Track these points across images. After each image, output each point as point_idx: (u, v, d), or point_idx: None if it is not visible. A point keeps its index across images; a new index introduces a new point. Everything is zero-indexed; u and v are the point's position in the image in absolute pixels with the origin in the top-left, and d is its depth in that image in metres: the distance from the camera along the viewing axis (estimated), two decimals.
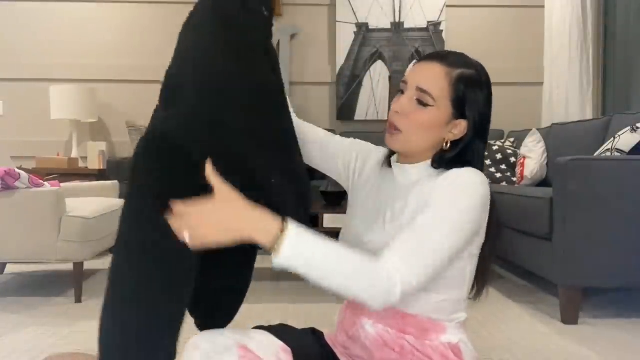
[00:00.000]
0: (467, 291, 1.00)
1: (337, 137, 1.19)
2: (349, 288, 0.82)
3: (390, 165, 1.06)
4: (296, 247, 0.79)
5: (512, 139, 3.70)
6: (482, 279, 1.03)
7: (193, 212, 0.80)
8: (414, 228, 0.88)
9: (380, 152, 1.13)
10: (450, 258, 0.89)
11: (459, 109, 0.97)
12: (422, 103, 0.95)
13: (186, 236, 0.80)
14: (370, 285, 0.81)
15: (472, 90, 0.97)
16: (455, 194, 0.90)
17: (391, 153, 1.07)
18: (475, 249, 0.99)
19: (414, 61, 1.00)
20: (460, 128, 0.98)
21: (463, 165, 0.96)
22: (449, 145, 0.98)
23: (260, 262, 1.22)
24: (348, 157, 1.15)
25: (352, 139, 1.19)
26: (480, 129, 1.00)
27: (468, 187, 0.91)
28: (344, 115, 4.37)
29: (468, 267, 0.98)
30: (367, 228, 1.01)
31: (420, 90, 0.95)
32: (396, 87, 4.32)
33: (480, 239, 0.99)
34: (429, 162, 1.00)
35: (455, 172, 0.93)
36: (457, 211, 0.89)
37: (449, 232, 0.88)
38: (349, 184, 1.15)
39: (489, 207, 0.97)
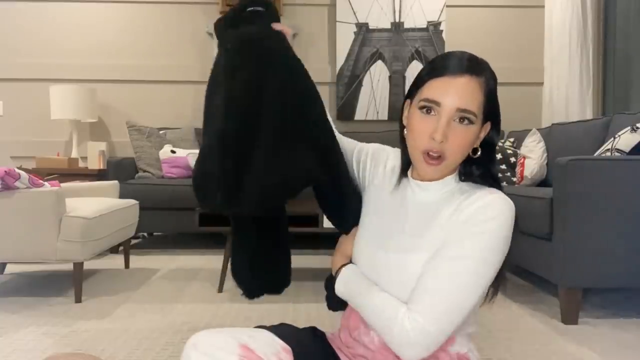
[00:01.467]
0: (479, 304, 0.96)
1: (348, 141, 1.17)
2: (377, 330, 0.93)
3: (405, 175, 1.02)
4: (343, 285, 1.03)
5: (512, 139, 3.70)
6: (495, 285, 0.97)
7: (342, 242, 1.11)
8: (443, 278, 0.86)
9: (397, 157, 1.07)
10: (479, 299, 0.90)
11: (488, 113, 0.94)
12: (463, 121, 0.89)
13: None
14: (398, 344, 0.88)
15: (494, 90, 0.94)
16: (490, 236, 0.87)
17: (408, 164, 1.01)
18: None
19: (426, 73, 0.94)
20: (485, 131, 0.95)
21: (486, 176, 0.95)
22: (478, 152, 0.95)
23: None
24: (362, 164, 1.12)
25: (363, 143, 1.16)
26: (498, 127, 0.97)
27: (502, 222, 0.88)
28: (344, 115, 4.38)
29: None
30: (382, 247, 0.98)
31: (462, 110, 0.88)
32: (396, 86, 4.32)
33: None
34: (451, 176, 0.97)
35: (483, 202, 0.89)
36: (489, 259, 0.87)
37: (478, 280, 0.87)
38: (363, 189, 1.12)
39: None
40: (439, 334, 0.86)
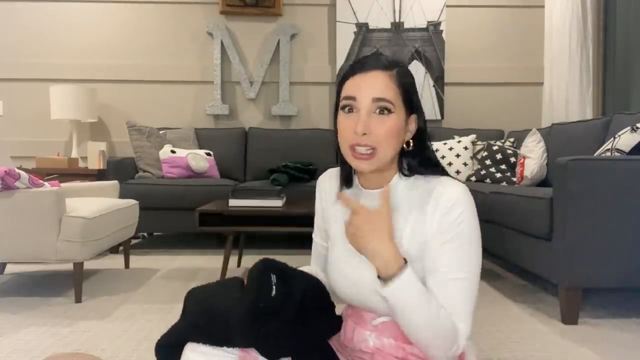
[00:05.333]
0: None
1: (314, 244, 1.20)
2: (427, 346, 0.90)
3: (348, 186, 1.06)
4: (397, 292, 0.87)
5: (512, 139, 3.70)
6: None
7: (362, 218, 0.90)
8: (454, 283, 0.92)
9: (325, 180, 1.13)
10: None
11: (409, 105, 0.97)
12: (383, 111, 0.93)
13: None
14: (446, 349, 0.90)
15: (411, 83, 0.98)
16: (467, 226, 0.93)
17: (347, 176, 1.06)
18: None
19: (342, 78, 1.00)
20: (413, 123, 0.99)
21: (425, 161, 0.99)
22: (411, 145, 0.99)
23: None
24: (322, 227, 1.16)
25: (316, 254, 1.20)
26: (424, 117, 1.02)
27: (468, 209, 0.94)
28: None
29: None
30: (355, 265, 0.99)
31: (378, 99, 0.93)
32: None
33: None
34: (395, 179, 1.00)
35: (445, 196, 0.94)
36: (476, 242, 0.94)
37: (478, 265, 0.95)
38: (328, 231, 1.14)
39: None
40: (469, 328, 0.93)
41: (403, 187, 1.00)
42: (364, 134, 0.92)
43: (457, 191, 0.94)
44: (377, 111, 0.93)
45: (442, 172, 1.00)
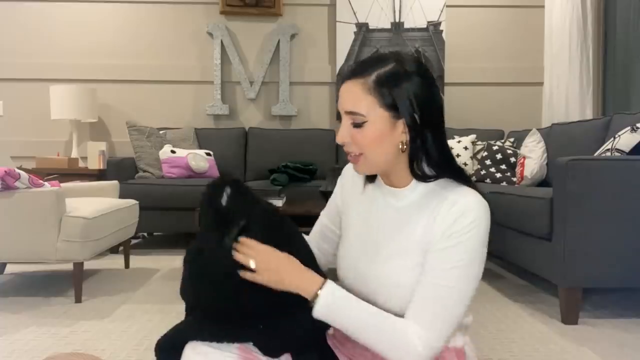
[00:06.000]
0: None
1: (319, 223, 1.21)
2: (377, 350, 0.90)
3: (371, 182, 1.05)
4: (329, 307, 0.91)
5: (512, 139, 3.70)
6: None
7: (261, 251, 0.93)
8: (434, 289, 0.89)
9: (350, 170, 1.13)
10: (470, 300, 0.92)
11: (394, 109, 0.91)
12: (357, 125, 0.93)
13: (252, 264, 0.92)
14: (396, 354, 0.88)
15: (395, 85, 0.91)
16: (472, 240, 0.90)
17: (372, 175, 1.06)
18: None
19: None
20: (401, 127, 0.93)
21: (440, 167, 0.94)
22: (405, 147, 0.93)
23: None
24: (335, 210, 1.16)
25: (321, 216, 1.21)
26: (427, 118, 0.92)
27: (480, 223, 0.90)
28: None
29: None
30: (367, 258, 1.00)
31: (349, 113, 0.93)
32: None
33: None
34: (415, 181, 0.98)
35: (460, 204, 0.91)
36: (476, 260, 0.90)
37: (470, 283, 0.90)
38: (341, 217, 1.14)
39: None
40: (442, 345, 0.90)
41: (421, 190, 0.98)
42: (344, 143, 0.96)
43: (472, 202, 0.91)
44: (352, 123, 0.94)
45: (462, 176, 0.96)
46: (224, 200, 0.97)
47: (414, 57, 0.97)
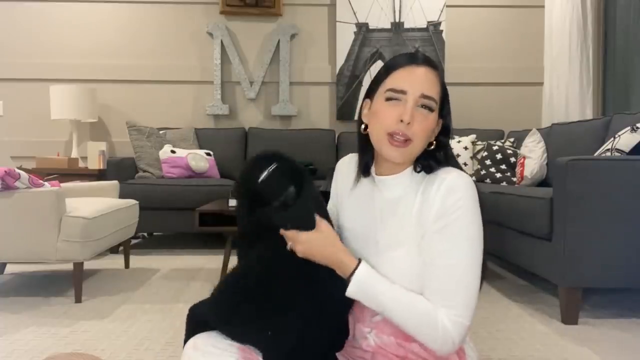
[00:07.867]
0: None
1: None
2: (408, 331, 0.91)
3: (366, 175, 1.06)
4: (361, 285, 0.92)
5: (512, 139, 3.70)
6: (482, 274, 1.02)
7: (304, 239, 0.95)
8: (445, 269, 0.91)
9: (345, 164, 1.14)
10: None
11: (442, 107, 1.00)
12: (427, 108, 0.95)
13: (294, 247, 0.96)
14: (428, 335, 0.90)
15: (446, 90, 1.01)
16: (465, 214, 0.92)
17: (366, 165, 1.05)
18: None
19: (386, 69, 1.00)
20: (440, 126, 1.01)
21: (442, 165, 0.98)
22: (434, 144, 1.00)
23: None
24: (334, 210, 1.16)
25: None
26: (449, 123, 1.03)
27: (468, 197, 0.93)
28: (344, 115, 4.38)
29: None
30: (367, 252, 1.00)
31: (425, 97, 0.95)
32: None
33: None
34: (408, 170, 1.00)
35: (446, 181, 0.94)
36: (474, 233, 0.92)
37: (475, 256, 0.92)
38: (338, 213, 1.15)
39: None
40: (470, 323, 0.91)
41: (408, 176, 1.01)
42: (408, 122, 0.93)
43: (458, 178, 0.94)
44: (421, 106, 0.95)
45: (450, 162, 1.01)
46: (261, 176, 0.97)
47: None
